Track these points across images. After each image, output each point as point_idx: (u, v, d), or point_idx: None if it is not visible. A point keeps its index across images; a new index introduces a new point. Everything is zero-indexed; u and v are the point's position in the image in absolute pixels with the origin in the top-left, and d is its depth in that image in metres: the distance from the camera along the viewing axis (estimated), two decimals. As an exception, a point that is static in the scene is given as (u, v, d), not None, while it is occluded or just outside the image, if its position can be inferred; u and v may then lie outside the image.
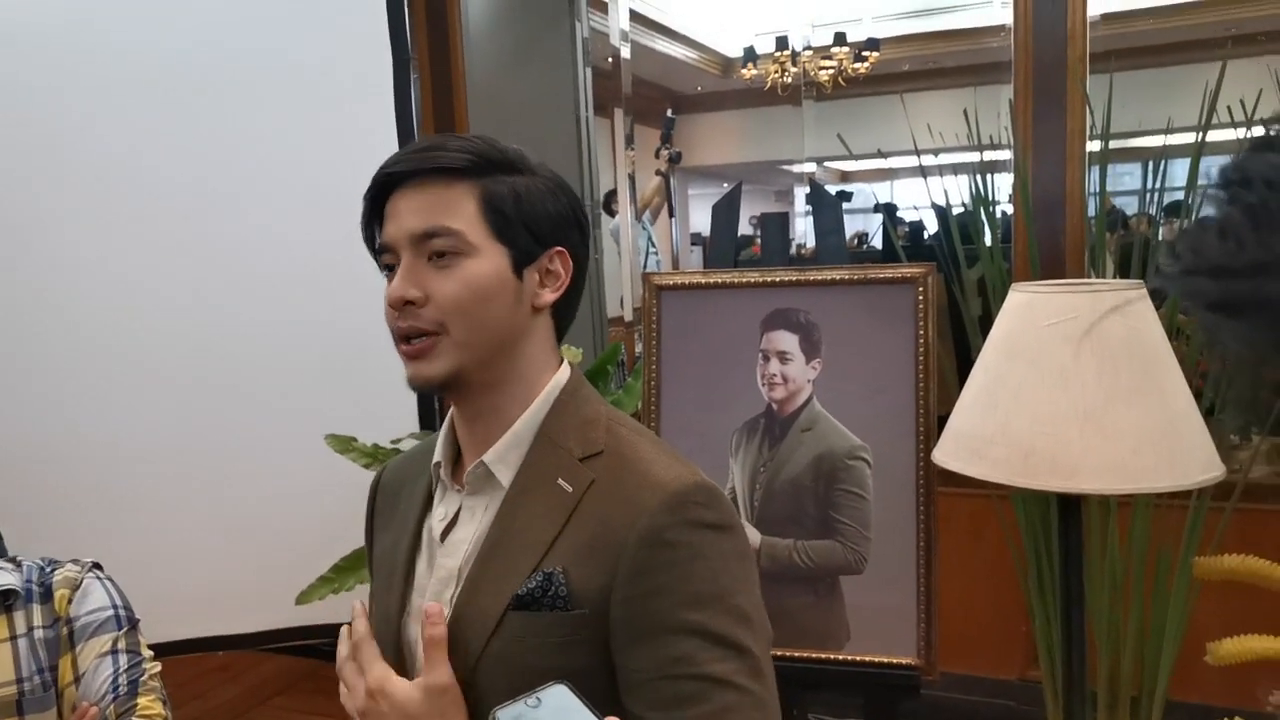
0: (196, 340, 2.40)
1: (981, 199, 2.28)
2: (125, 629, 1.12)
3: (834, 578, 1.73)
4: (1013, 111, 2.51)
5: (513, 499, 0.88)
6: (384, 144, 2.48)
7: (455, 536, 0.91)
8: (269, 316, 2.42)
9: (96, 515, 2.30)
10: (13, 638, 1.06)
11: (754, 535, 1.77)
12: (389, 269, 0.87)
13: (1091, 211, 2.43)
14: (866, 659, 1.70)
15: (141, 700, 1.06)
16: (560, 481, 0.86)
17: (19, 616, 1.08)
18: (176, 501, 2.40)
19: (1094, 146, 2.43)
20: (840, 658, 1.72)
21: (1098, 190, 2.19)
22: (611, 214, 3.88)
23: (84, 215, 2.34)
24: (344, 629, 0.89)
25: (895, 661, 1.69)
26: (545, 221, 0.88)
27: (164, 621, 2.38)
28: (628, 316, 3.83)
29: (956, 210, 2.37)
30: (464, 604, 0.86)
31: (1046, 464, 1.24)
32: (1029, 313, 1.33)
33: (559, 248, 0.90)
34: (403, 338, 0.86)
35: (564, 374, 0.93)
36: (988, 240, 2.24)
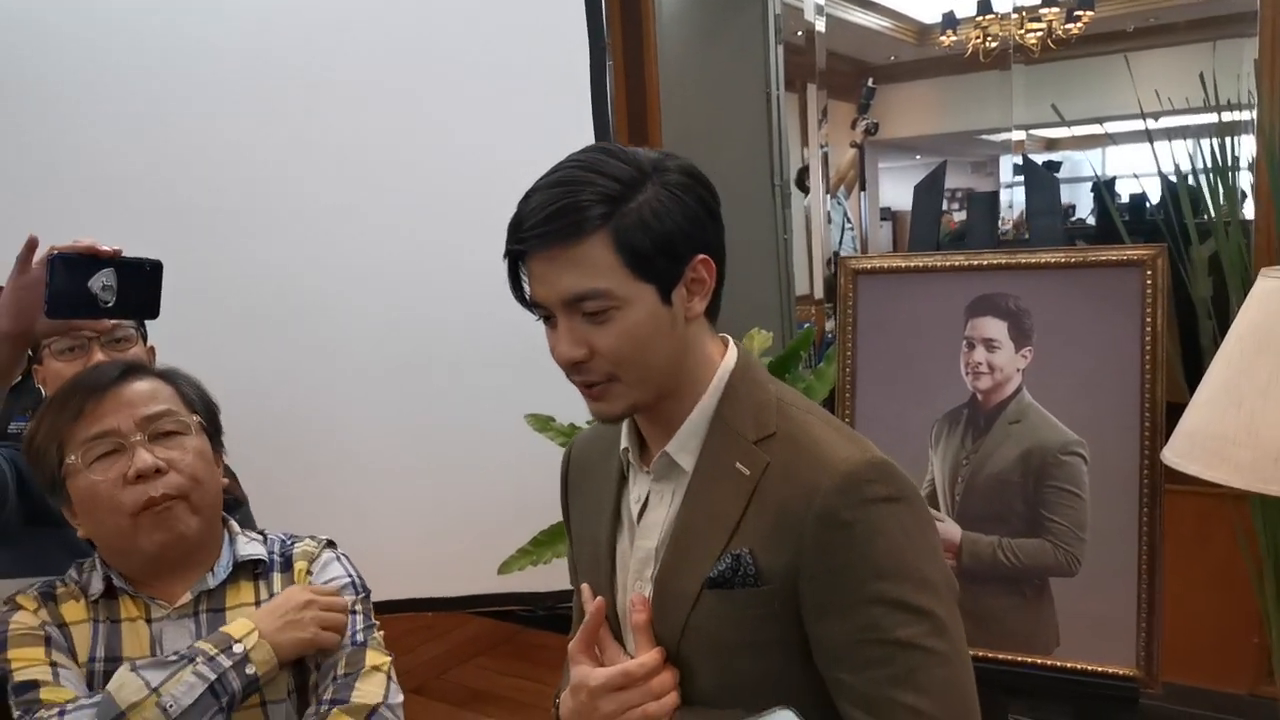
0: (410, 326, 2.55)
1: (1220, 168, 2.07)
2: (361, 595, 1.22)
3: (1043, 579, 1.63)
4: (1258, 69, 2.25)
5: (696, 484, 0.93)
6: (580, 130, 2.53)
7: (649, 519, 0.97)
8: (473, 303, 2.53)
9: (325, 488, 2.50)
10: (257, 602, 1.17)
11: (954, 530, 1.70)
12: (545, 319, 0.91)
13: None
14: (1079, 666, 1.60)
15: (371, 653, 1.17)
16: (738, 465, 0.91)
17: (263, 584, 1.19)
18: (393, 476, 2.57)
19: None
20: (1049, 663, 1.62)
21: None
22: (805, 191, 3.81)
23: (309, 208, 2.52)
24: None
25: (1111, 671, 1.58)
26: (679, 236, 0.88)
27: (379, 582, 2.57)
28: (818, 294, 3.76)
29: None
30: (663, 584, 0.94)
31: (1301, 470, 1.12)
32: (1282, 301, 1.19)
33: (700, 255, 0.90)
34: (578, 384, 0.91)
35: (731, 357, 0.96)
36: (1223, 214, 2.04)
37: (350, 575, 1.23)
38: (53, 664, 1.07)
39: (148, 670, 1.04)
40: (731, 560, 0.88)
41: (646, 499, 0.97)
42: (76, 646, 1.10)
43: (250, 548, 1.20)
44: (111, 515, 1.10)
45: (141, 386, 1.14)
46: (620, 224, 0.85)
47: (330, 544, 1.26)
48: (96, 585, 1.13)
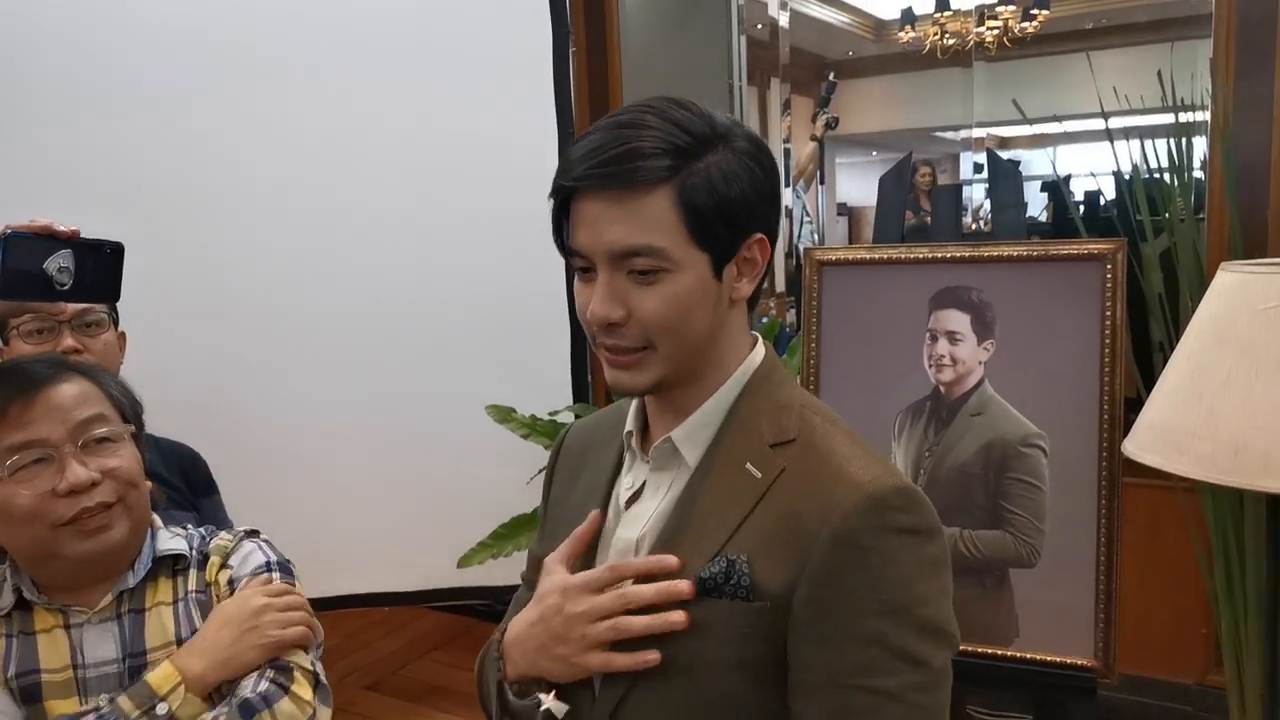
0: (367, 314, 2.50)
1: (1176, 166, 2.11)
2: (280, 574, 1.16)
3: (1003, 570, 1.65)
4: (1213, 69, 2.30)
5: (698, 479, 0.86)
6: (542, 116, 2.50)
7: (637, 509, 0.90)
8: (433, 291, 2.50)
9: (280, 480, 2.44)
10: (175, 601, 1.12)
11: (917, 521, 1.71)
12: (581, 270, 0.83)
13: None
14: (1038, 657, 1.61)
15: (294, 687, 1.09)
16: (749, 466, 0.84)
17: (181, 581, 1.13)
18: (350, 468, 2.52)
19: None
20: (1008, 654, 1.64)
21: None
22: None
23: (268, 192, 2.46)
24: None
25: (1069, 662, 1.59)
26: (743, 208, 0.82)
27: (335, 576, 2.53)
28: (778, 287, 3.77)
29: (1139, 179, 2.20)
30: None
31: (1259, 462, 1.13)
32: (1242, 295, 1.21)
33: (758, 235, 0.84)
34: (606, 348, 0.84)
35: (758, 355, 0.90)
36: (1179, 210, 2.07)
37: (268, 558, 1.16)
38: None
39: None
40: (725, 565, 0.81)
41: (641, 488, 0.91)
42: None
43: (172, 542, 1.15)
44: (32, 525, 1.03)
45: (70, 389, 1.06)
46: (687, 181, 0.79)
47: (251, 533, 1.20)
48: (6, 598, 1.06)
